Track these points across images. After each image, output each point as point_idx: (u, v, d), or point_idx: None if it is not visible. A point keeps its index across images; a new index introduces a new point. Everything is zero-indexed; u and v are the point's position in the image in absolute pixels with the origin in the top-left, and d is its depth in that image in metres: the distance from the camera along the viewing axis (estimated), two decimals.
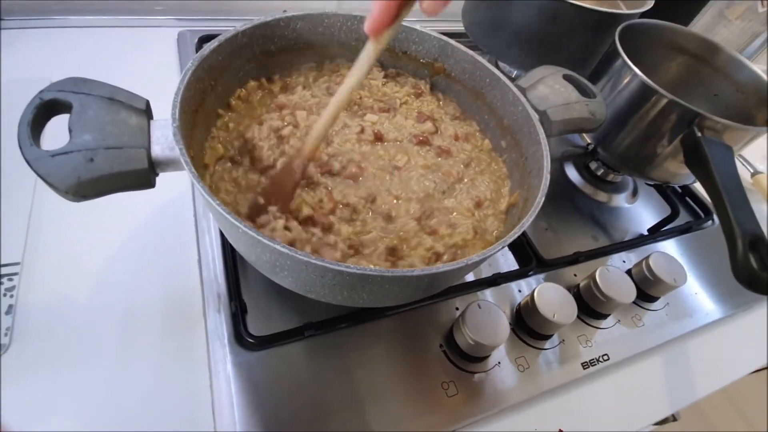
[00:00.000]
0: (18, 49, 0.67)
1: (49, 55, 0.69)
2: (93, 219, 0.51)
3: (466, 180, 0.53)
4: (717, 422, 1.39)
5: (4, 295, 0.44)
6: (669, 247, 0.69)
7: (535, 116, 0.49)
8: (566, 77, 0.55)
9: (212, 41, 0.44)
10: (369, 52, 0.38)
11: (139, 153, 0.35)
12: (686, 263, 0.60)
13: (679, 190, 0.79)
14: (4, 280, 0.45)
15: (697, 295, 0.64)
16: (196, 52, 0.73)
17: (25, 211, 0.51)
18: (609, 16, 0.70)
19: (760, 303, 0.67)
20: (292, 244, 0.39)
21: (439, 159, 0.54)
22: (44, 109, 0.34)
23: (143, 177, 0.36)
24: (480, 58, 0.54)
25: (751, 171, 0.82)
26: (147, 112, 0.38)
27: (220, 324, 0.46)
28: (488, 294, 0.56)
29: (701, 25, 1.04)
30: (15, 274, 0.46)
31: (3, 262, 0.46)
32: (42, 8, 0.73)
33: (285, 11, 0.54)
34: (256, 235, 0.32)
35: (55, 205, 0.50)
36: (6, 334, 0.42)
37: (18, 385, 0.40)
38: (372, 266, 0.41)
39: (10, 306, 0.44)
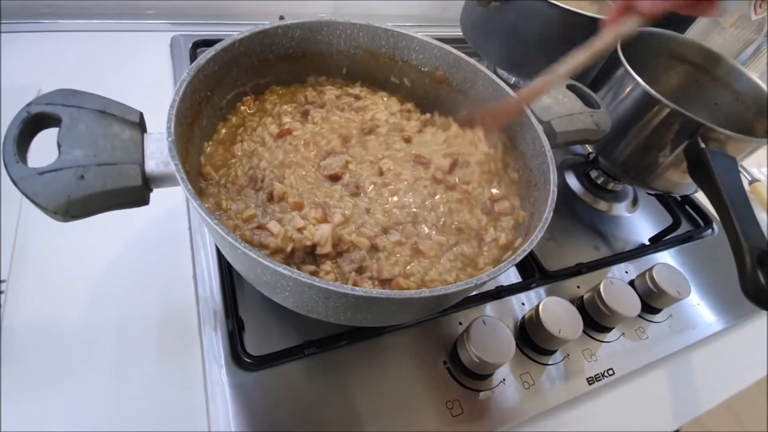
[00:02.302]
0: (4, 53, 0.65)
1: (37, 60, 0.66)
2: (83, 234, 0.49)
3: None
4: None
5: None
6: (670, 257, 0.69)
7: (539, 127, 0.48)
8: (570, 87, 0.54)
9: (209, 50, 0.42)
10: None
11: (132, 169, 0.33)
12: (687, 273, 0.59)
13: (679, 199, 0.78)
14: None
15: (699, 306, 0.64)
16: (190, 57, 0.73)
17: (11, 225, 0.48)
18: None
19: (760, 312, 0.67)
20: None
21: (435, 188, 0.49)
22: (31, 124, 0.32)
23: (137, 194, 0.34)
24: (482, 68, 0.53)
25: (749, 179, 0.82)
26: (141, 125, 0.36)
27: (216, 343, 0.44)
28: (491, 307, 0.55)
29: (696, 32, 1.04)
30: (0, 292, 0.44)
31: None
32: (29, 11, 0.71)
33: (281, 17, 0.53)
34: (257, 257, 0.30)
35: (44, 219, 0.48)
36: None
37: (4, 409, 0.38)
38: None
39: None
